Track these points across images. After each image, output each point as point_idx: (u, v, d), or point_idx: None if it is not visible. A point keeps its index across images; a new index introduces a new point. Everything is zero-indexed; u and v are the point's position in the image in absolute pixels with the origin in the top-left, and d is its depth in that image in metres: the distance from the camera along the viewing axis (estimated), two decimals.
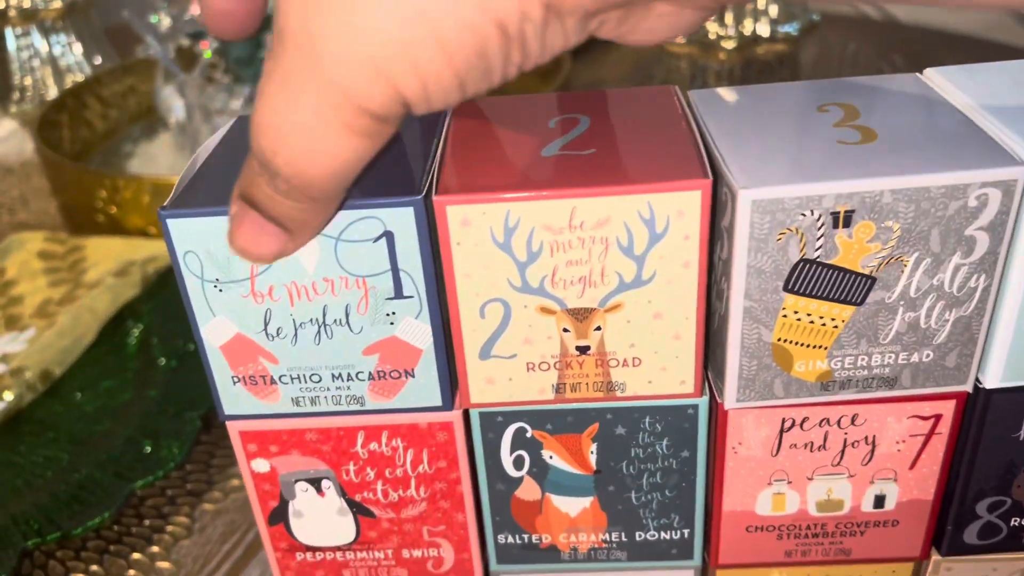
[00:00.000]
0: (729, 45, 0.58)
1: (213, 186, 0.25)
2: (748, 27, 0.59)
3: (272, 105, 0.19)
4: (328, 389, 0.27)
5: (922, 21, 0.87)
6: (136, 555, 0.40)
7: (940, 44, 0.82)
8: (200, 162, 0.26)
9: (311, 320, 0.25)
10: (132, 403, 0.47)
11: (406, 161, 0.25)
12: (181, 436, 0.43)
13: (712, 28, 0.58)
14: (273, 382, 0.27)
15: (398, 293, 0.25)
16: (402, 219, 0.24)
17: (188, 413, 0.45)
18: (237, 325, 0.26)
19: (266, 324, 0.25)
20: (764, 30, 0.59)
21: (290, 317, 0.25)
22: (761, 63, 0.61)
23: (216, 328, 0.26)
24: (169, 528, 0.41)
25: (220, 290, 0.25)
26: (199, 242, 0.24)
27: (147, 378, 0.49)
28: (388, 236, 0.24)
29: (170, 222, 0.24)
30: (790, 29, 0.60)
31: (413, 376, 0.26)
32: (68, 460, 0.44)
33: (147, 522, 0.41)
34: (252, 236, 0.22)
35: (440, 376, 0.26)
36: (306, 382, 0.26)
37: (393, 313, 0.25)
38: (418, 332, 0.26)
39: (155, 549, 0.40)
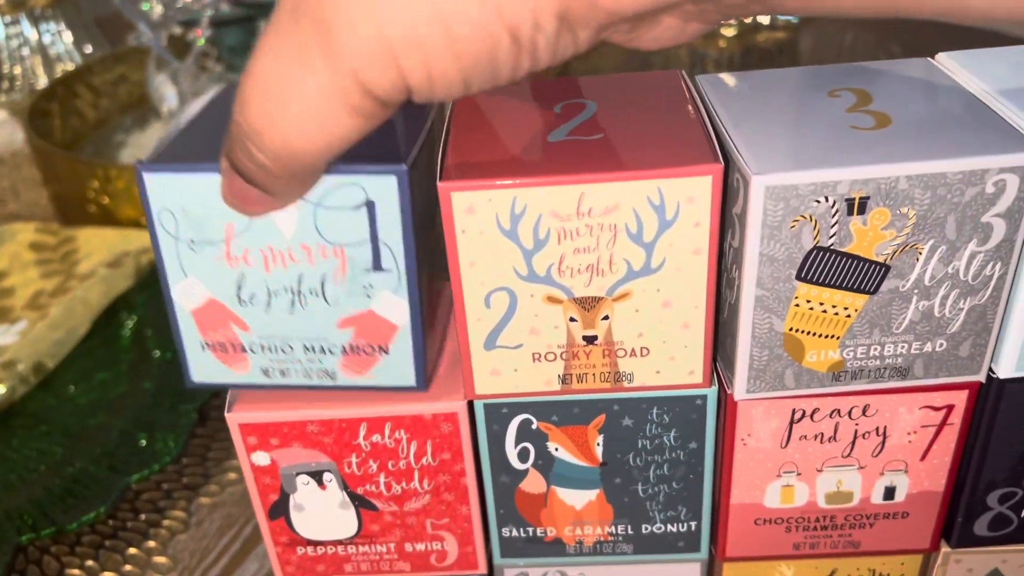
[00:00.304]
0: (729, 33, 0.58)
1: (194, 145, 0.24)
2: None
3: (270, 78, 0.19)
4: (299, 361, 0.26)
5: None
6: (132, 550, 0.39)
7: (937, 33, 0.82)
8: (184, 123, 0.26)
9: (285, 288, 0.25)
10: (126, 396, 0.46)
11: (394, 132, 0.25)
12: (177, 429, 0.43)
13: None
14: (243, 350, 0.26)
15: (376, 265, 0.24)
16: (385, 188, 0.23)
17: (183, 406, 0.44)
18: (209, 288, 0.25)
19: (239, 289, 0.25)
20: (764, 18, 0.58)
21: (264, 284, 0.25)
22: (761, 51, 0.60)
23: (187, 290, 0.25)
24: (165, 522, 0.40)
25: (194, 251, 0.24)
26: (175, 199, 0.23)
27: (141, 370, 0.48)
28: (369, 206, 0.23)
29: (147, 176, 0.23)
30: (790, 17, 0.59)
31: (387, 353, 0.26)
32: (62, 454, 0.43)
33: (143, 516, 0.41)
34: (239, 195, 0.22)
35: (415, 354, 0.26)
36: (277, 352, 0.26)
37: (370, 286, 0.24)
38: (395, 307, 0.25)
39: (151, 544, 0.39)
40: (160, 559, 0.39)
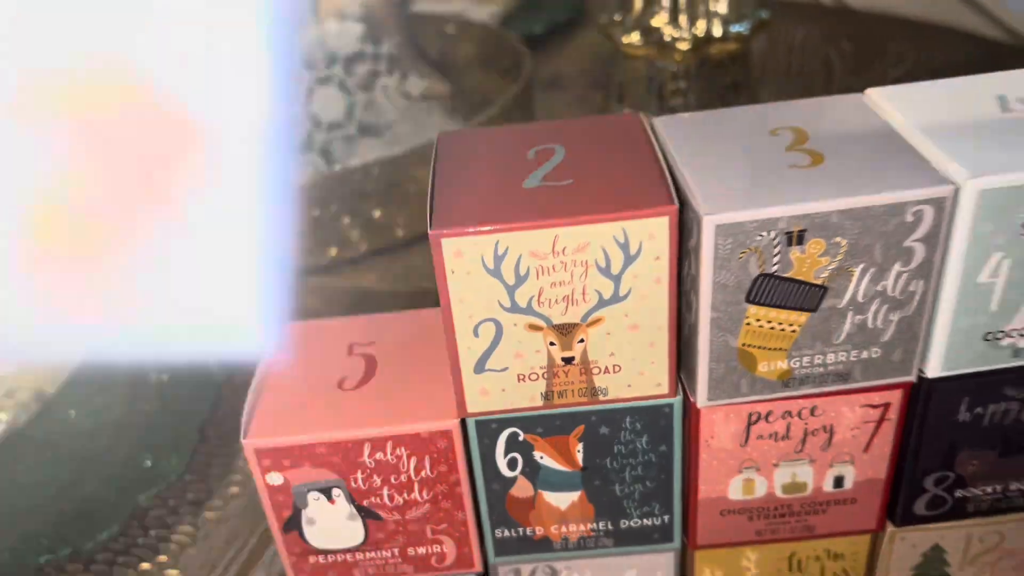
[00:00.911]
0: (684, 46, 0.61)
1: None
2: (701, 28, 0.61)
3: None
4: None
5: (869, 6, 0.90)
6: (145, 565, 0.41)
7: (887, 28, 0.85)
8: None
9: None
10: (127, 418, 0.49)
11: None
12: (180, 448, 0.45)
13: (667, 30, 0.61)
14: None
15: None
16: None
17: (183, 426, 0.47)
18: None
19: None
20: (717, 30, 0.62)
21: None
22: (715, 61, 0.63)
23: None
24: (174, 538, 0.43)
25: None
26: None
27: (140, 393, 0.50)
28: None
29: None
30: (741, 28, 0.62)
31: None
32: (70, 478, 0.45)
33: (152, 533, 0.43)
34: None
35: None
36: None
37: None
38: None
39: (162, 558, 0.42)
40: (172, 572, 0.41)
